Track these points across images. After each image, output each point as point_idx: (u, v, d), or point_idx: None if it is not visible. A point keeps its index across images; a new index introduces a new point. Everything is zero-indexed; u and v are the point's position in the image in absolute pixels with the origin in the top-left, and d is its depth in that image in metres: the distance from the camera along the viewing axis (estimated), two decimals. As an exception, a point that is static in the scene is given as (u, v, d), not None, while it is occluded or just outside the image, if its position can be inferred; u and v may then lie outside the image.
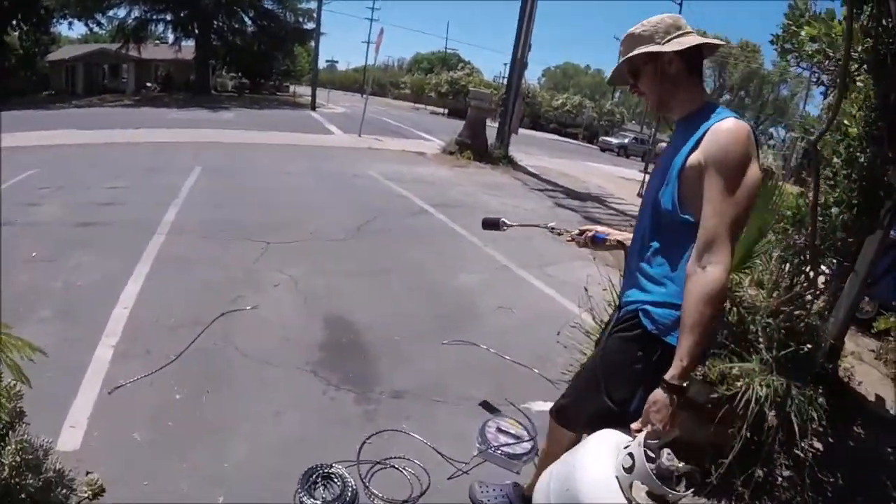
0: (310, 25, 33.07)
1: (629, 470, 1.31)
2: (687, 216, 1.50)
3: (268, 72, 40.66)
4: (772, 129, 48.37)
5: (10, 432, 1.66)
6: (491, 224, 2.39)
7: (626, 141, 34.62)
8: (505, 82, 17.61)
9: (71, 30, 40.53)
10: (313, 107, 28.11)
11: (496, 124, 14.40)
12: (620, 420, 1.55)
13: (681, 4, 24.95)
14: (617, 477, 1.34)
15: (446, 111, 39.88)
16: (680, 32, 1.59)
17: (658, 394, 1.44)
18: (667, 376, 1.44)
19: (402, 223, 6.30)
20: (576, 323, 3.67)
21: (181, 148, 11.41)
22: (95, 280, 4.26)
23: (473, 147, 13.07)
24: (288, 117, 22.56)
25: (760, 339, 2.66)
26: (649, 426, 1.42)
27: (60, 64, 35.79)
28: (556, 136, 37.84)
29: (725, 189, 1.42)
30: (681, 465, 1.29)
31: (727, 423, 2.42)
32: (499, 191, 9.71)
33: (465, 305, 4.42)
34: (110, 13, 31.76)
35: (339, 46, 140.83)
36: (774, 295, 2.90)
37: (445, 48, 67.66)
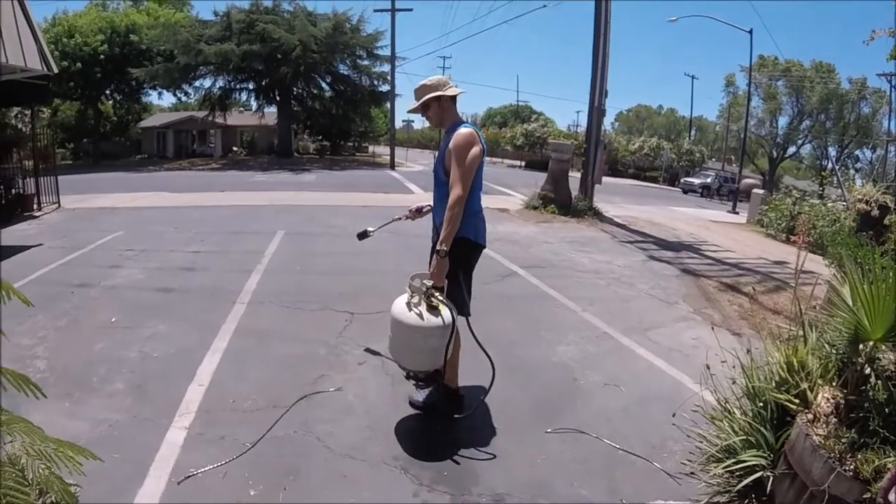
0: (385, 87, 34.39)
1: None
2: (446, 178, 3.03)
3: (347, 134, 42.42)
4: (857, 152, 44.36)
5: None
6: (362, 235, 3.75)
7: (709, 180, 32.71)
8: (579, 130, 17.24)
9: (161, 99, 44.24)
10: (392, 166, 28.93)
11: (578, 174, 13.95)
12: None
13: (751, 32, 24.03)
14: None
15: (523, 164, 39.80)
16: (449, 85, 3.13)
17: (435, 257, 2.98)
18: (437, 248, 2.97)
19: (490, 289, 5.80)
20: (697, 406, 3.14)
21: (264, 210, 11.72)
22: (171, 352, 4.15)
23: (557, 200, 12.58)
24: (368, 177, 23.02)
25: (917, 418, 2.17)
26: (430, 272, 3.00)
27: (152, 130, 39.34)
28: (636, 182, 36.67)
29: (456, 161, 2.94)
30: (429, 284, 2.96)
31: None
32: (588, 246, 9.12)
33: (567, 384, 3.90)
34: (196, 83, 34.16)
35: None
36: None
37: (517, 101, 68.35)
